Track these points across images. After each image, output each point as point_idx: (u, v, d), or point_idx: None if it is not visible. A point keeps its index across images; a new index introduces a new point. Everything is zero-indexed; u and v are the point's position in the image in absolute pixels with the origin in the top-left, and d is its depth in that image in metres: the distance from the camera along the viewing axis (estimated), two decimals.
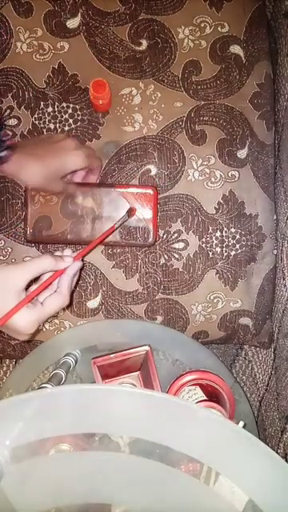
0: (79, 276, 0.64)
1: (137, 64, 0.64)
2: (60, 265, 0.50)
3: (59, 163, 0.55)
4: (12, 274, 0.46)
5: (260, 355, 0.80)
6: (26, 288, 0.48)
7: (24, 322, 0.46)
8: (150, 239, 0.64)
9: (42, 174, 0.54)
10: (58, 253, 0.53)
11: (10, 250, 0.64)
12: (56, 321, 0.66)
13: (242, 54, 0.65)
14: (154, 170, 0.64)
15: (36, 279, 0.50)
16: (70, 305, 0.67)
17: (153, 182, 0.64)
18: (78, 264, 0.52)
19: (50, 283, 0.50)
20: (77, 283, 0.64)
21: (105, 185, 0.64)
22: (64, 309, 0.65)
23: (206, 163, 0.64)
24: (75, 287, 0.66)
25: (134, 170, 0.64)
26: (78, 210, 0.63)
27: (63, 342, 0.63)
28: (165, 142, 0.64)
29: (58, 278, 0.51)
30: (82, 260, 0.54)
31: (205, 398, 0.55)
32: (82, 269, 0.62)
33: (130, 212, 0.63)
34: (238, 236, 0.65)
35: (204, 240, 0.65)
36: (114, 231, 0.61)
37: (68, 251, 0.53)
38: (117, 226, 0.61)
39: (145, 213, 0.64)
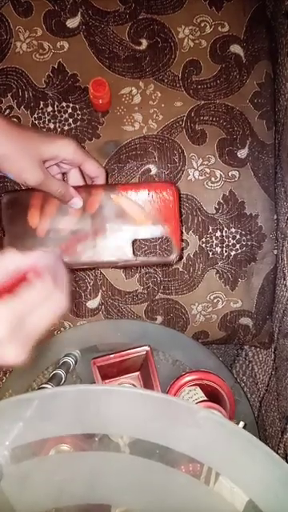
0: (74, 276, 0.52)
1: (137, 63, 0.64)
2: (28, 258, 0.38)
3: (43, 144, 0.47)
4: None
5: (260, 355, 0.79)
6: None
7: None
8: (173, 255, 0.51)
9: (23, 158, 0.46)
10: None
11: None
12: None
13: (242, 53, 0.64)
14: (154, 170, 0.64)
15: None
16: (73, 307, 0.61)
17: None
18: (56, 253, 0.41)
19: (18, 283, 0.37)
20: (76, 285, 0.61)
21: (105, 187, 0.52)
22: None
23: (206, 163, 0.64)
24: (75, 288, 0.59)
25: (133, 170, 0.64)
26: (72, 224, 0.51)
27: (63, 343, 0.62)
28: (165, 141, 0.64)
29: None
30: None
31: (205, 398, 0.55)
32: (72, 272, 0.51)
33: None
34: (238, 236, 0.65)
35: (204, 240, 0.65)
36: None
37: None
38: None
39: (162, 218, 0.50)
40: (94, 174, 0.53)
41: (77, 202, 0.52)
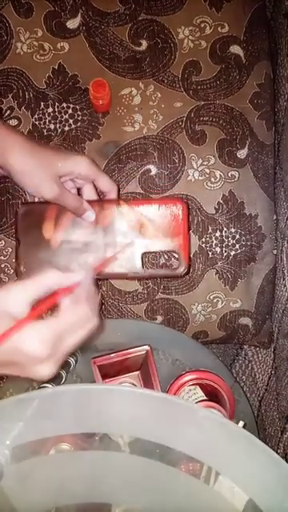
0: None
1: (137, 64, 0.64)
2: (69, 278, 0.41)
3: (60, 160, 0.51)
4: (8, 297, 0.38)
5: (260, 355, 0.80)
6: None
7: (33, 341, 0.36)
8: (181, 268, 0.53)
9: (41, 174, 0.50)
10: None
11: (10, 250, 0.64)
12: None
13: (241, 54, 0.65)
14: (153, 170, 0.64)
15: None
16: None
17: (153, 182, 0.64)
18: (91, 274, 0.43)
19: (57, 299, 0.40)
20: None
21: (117, 201, 0.55)
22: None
23: (205, 163, 0.64)
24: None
25: (133, 170, 0.64)
26: (84, 237, 0.54)
27: None
28: (165, 142, 0.64)
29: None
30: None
31: (205, 397, 0.55)
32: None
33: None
34: (237, 236, 0.66)
35: (204, 240, 0.65)
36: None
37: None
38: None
39: (172, 233, 0.53)
40: (106, 188, 0.56)
41: (90, 215, 0.55)
